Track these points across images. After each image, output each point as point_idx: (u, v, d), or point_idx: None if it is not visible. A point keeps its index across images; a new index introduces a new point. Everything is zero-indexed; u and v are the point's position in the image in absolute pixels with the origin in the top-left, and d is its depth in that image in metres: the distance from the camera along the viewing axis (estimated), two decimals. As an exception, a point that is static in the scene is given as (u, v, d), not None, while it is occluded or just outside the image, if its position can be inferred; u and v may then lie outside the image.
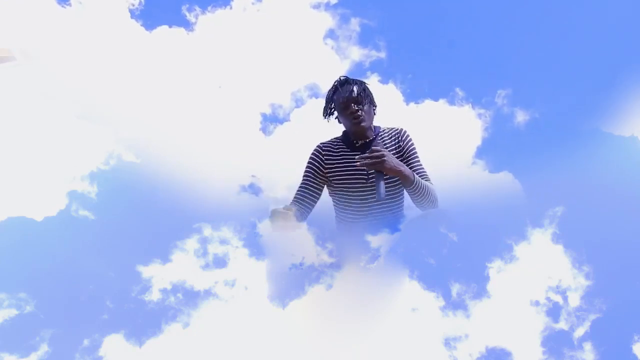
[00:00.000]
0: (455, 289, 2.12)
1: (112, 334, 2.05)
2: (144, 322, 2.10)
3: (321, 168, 2.08)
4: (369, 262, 2.17)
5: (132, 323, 2.09)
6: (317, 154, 2.12)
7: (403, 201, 2.12)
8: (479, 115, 3.19)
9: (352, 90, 1.98)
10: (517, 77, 3.22)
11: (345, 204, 2.08)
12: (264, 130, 3.29)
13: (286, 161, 3.06)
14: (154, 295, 2.17)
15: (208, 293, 2.18)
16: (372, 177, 2.03)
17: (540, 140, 3.12)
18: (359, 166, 1.89)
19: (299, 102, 3.35)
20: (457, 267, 2.18)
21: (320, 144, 2.17)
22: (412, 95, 3.29)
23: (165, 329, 2.08)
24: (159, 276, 2.21)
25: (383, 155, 1.80)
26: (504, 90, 3.15)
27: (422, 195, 1.95)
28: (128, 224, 2.54)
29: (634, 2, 3.17)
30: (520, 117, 3.12)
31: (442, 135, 3.17)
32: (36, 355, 2.01)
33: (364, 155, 1.87)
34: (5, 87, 2.93)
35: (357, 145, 2.07)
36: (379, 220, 2.06)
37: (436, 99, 3.25)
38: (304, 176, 2.11)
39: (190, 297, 2.17)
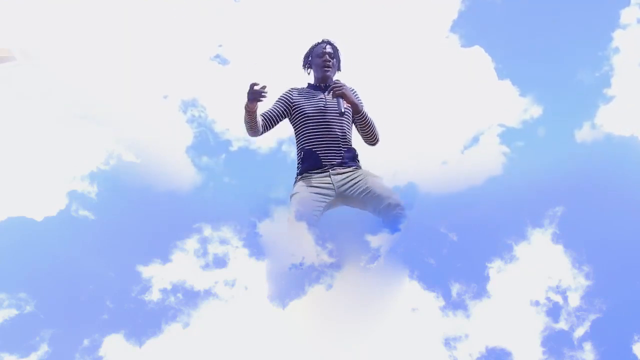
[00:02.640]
0: (455, 289, 2.12)
1: (112, 334, 2.04)
2: (144, 322, 2.10)
3: (289, 98, 2.50)
4: (369, 262, 2.17)
5: (132, 323, 2.09)
6: (287, 90, 2.57)
7: (351, 125, 2.53)
8: (458, -15, 3.09)
9: (329, 47, 2.54)
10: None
11: (307, 123, 2.45)
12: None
13: (254, 31, 3.13)
14: (154, 295, 2.17)
15: (208, 293, 2.18)
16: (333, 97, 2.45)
17: (516, 15, 3.05)
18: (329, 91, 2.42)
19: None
20: (457, 267, 2.18)
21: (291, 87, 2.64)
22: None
23: (165, 329, 2.08)
24: (159, 276, 2.21)
25: (343, 85, 2.32)
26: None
27: (367, 124, 2.41)
28: (128, 224, 2.54)
29: (635, 2, 3.17)
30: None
31: (418, 5, 3.15)
32: (36, 355, 2.01)
33: (331, 84, 2.40)
34: (5, 87, 2.93)
35: (319, 86, 2.57)
36: (334, 138, 2.43)
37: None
38: (274, 103, 2.50)
39: (190, 297, 2.17)
